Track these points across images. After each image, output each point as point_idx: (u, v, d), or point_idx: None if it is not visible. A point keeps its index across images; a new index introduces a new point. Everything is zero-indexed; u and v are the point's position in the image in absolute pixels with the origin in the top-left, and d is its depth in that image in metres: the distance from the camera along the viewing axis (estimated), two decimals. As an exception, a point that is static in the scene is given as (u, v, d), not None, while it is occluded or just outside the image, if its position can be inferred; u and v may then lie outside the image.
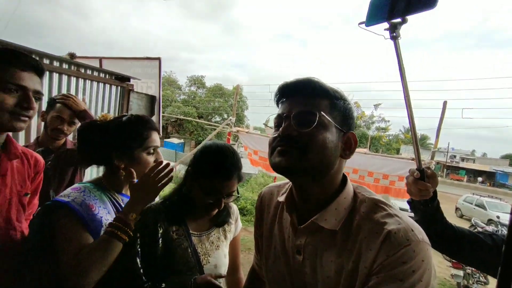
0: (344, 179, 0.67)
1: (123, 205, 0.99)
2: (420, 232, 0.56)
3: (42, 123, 1.68)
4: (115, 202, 1.00)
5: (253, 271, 0.97)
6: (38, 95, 0.87)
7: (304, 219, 0.66)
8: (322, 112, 0.59)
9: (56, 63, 2.39)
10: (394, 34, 0.86)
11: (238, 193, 0.98)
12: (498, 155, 49.31)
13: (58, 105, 1.58)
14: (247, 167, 5.80)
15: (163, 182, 0.90)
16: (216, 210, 0.95)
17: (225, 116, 27.20)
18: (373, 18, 0.90)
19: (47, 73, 2.28)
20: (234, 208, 1.14)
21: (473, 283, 4.78)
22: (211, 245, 0.99)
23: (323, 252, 0.62)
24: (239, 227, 1.13)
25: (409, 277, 0.51)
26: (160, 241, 0.91)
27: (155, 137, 1.01)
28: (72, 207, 0.84)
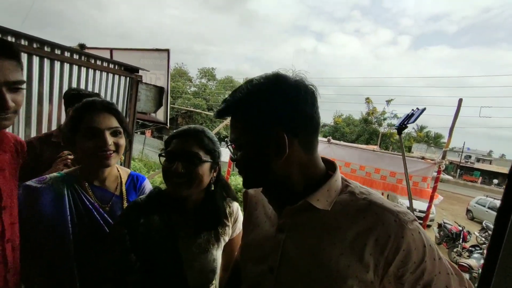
0: (332, 165, 0.71)
1: (90, 199, 0.98)
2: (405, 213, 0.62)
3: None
4: (79, 196, 0.97)
5: (235, 264, 0.97)
6: (16, 85, 0.72)
7: (287, 202, 0.69)
8: (236, 140, 0.66)
9: (67, 54, 2.45)
10: None
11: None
12: (517, 156, 47.32)
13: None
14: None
15: None
16: (180, 183, 0.86)
17: (235, 109, 27.09)
18: None
19: (58, 63, 2.35)
20: (234, 208, 1.05)
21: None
22: (198, 248, 0.91)
23: (310, 231, 0.65)
24: (238, 229, 1.05)
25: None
26: (141, 240, 0.87)
27: (94, 118, 0.94)
28: (21, 189, 0.93)
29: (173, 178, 0.86)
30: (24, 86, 0.77)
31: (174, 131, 0.95)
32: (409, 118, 3.12)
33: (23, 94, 0.77)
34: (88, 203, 0.97)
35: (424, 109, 3.17)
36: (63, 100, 1.65)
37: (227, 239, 1.02)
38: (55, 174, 1.01)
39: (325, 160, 0.72)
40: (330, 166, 0.71)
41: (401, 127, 3.17)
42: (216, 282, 1.00)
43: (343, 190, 0.67)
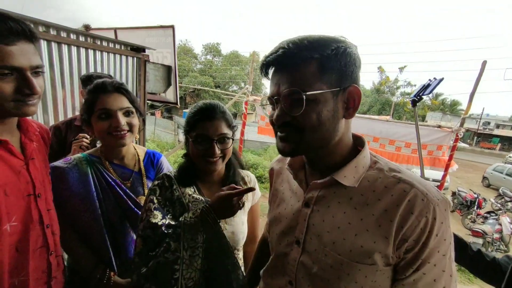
0: (361, 140, 0.68)
1: (112, 176, 1.04)
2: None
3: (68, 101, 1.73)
4: (101, 174, 1.02)
5: (263, 238, 1.01)
6: (38, 69, 0.72)
7: (314, 176, 0.69)
8: (308, 90, 0.55)
9: (73, 36, 2.41)
10: None
11: (232, 137, 0.96)
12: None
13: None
14: (267, 136, 5.78)
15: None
16: (216, 161, 0.92)
17: (242, 85, 26.78)
18: None
19: (66, 46, 2.32)
20: (251, 177, 1.14)
21: (492, 250, 4.80)
22: None
23: (336, 205, 0.64)
24: (257, 196, 1.13)
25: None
26: (177, 204, 0.93)
27: (106, 100, 0.97)
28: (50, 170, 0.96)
29: (209, 158, 0.92)
30: (43, 70, 0.77)
31: (196, 112, 0.94)
32: (425, 89, 2.92)
33: (42, 79, 0.78)
34: (110, 180, 1.04)
35: (441, 79, 2.94)
36: (80, 84, 1.67)
37: (249, 205, 1.10)
38: (78, 155, 1.07)
39: (352, 134, 0.69)
40: (359, 141, 0.69)
41: (416, 99, 2.99)
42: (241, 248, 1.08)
43: (372, 167, 0.65)
